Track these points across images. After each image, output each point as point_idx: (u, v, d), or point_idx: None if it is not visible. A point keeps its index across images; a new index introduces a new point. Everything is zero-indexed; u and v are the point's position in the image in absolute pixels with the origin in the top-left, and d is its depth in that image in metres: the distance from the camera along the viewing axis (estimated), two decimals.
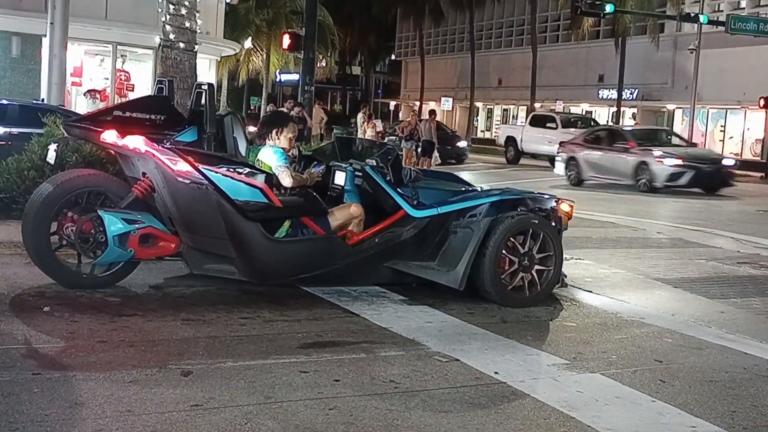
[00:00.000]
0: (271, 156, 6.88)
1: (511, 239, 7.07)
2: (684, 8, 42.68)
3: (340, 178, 7.42)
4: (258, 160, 6.95)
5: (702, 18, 35.49)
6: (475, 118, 61.28)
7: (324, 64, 53.77)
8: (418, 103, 58.37)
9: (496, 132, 42.99)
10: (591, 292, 7.85)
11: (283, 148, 7.01)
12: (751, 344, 6.23)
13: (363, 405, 4.43)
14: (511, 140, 36.74)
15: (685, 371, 5.48)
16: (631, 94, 48.40)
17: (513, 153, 36.31)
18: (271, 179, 6.69)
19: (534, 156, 35.23)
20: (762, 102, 37.28)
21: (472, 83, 57.35)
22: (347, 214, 7.08)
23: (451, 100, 58.01)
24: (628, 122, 46.67)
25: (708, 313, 7.32)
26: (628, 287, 8.26)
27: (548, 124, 34.40)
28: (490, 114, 64.55)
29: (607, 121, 50.35)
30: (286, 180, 6.76)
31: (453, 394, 4.73)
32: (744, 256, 10.80)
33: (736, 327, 6.78)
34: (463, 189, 7.99)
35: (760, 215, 17.68)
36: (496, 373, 5.12)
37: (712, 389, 5.12)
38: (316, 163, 7.76)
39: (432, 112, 28.84)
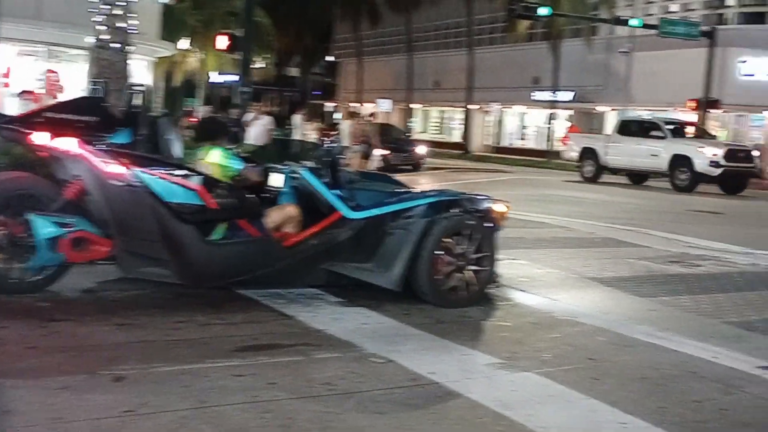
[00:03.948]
0: (214, 155, 6.85)
1: (447, 240, 7.12)
2: (617, 12, 43.48)
3: (276, 179, 7.39)
4: (200, 160, 6.89)
5: (635, 21, 36.19)
6: (410, 120, 61.44)
7: (261, 66, 53.51)
8: (356, 105, 58.33)
9: (563, 143, 33.23)
10: (525, 291, 7.94)
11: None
12: (680, 341, 6.36)
13: (298, 408, 4.42)
14: (589, 153, 29.07)
15: (617, 369, 5.58)
16: (564, 96, 49.10)
17: (592, 169, 28.73)
18: (207, 181, 6.64)
19: (614, 172, 28.47)
20: (691, 104, 38.12)
21: (409, 85, 57.61)
22: (283, 215, 7.07)
23: (388, 101, 58.17)
24: (563, 124, 47.36)
25: (639, 311, 7.46)
26: (561, 287, 8.38)
27: (653, 133, 27.38)
28: (426, 116, 64.89)
29: (547, 123, 51.07)
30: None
31: (388, 396, 4.74)
32: (674, 254, 11.03)
33: (666, 325, 6.92)
34: (400, 190, 8.03)
35: (690, 215, 18.07)
36: (431, 373, 5.15)
37: (642, 386, 5.22)
38: (252, 164, 7.72)
39: (371, 114, 28.51)
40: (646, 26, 36.84)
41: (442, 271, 7.09)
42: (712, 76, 37.71)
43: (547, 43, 47.25)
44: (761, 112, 41.60)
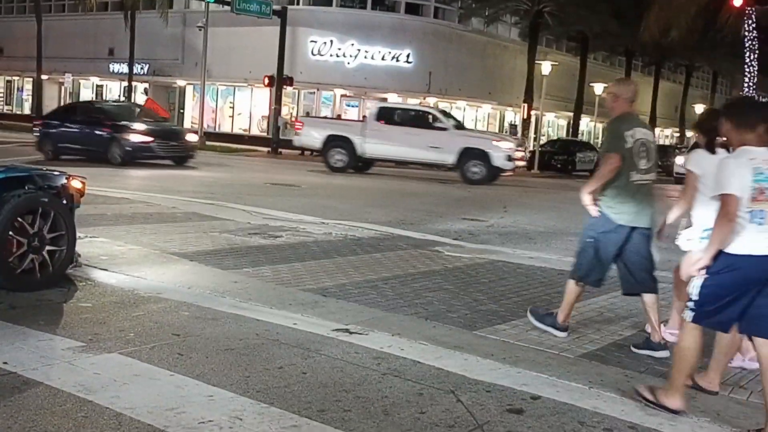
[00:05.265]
0: None
1: (19, 219, 6.66)
2: None
3: None
4: None
5: None
6: None
7: None
8: None
9: (295, 130, 29.92)
10: (107, 270, 7.70)
11: None
12: (262, 311, 6.57)
13: None
14: (338, 141, 26.57)
15: (202, 342, 5.60)
16: (141, 69, 48.43)
17: (344, 158, 26.45)
18: None
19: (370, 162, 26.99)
20: (266, 80, 39.48)
21: None
22: None
23: None
24: (140, 97, 46.62)
25: (222, 283, 7.56)
26: (144, 263, 8.24)
27: (436, 124, 25.64)
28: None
29: (120, 96, 49.97)
30: None
31: None
32: (254, 227, 11.37)
33: (249, 295, 7.10)
34: None
35: (268, 188, 18.74)
36: (5, 363, 4.80)
37: (227, 357, 5.30)
38: None
39: None
40: (220, 2, 37.29)
41: (15, 254, 6.63)
42: (285, 54, 39.31)
43: (121, 14, 46.09)
44: (331, 90, 44.33)
